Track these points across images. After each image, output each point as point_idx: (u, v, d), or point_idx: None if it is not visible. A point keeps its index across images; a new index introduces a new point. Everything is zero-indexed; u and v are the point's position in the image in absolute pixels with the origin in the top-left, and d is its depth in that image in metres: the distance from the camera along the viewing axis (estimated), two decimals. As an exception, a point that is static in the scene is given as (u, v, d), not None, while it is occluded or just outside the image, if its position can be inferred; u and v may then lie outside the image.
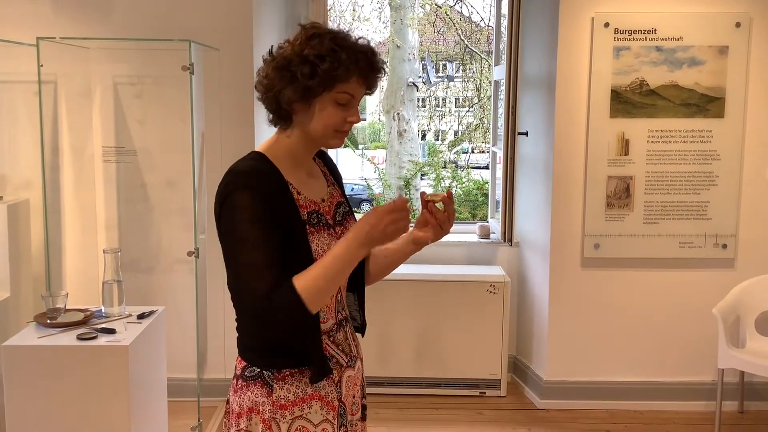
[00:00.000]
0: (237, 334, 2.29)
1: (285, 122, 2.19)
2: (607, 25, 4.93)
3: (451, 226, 2.26)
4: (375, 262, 2.44)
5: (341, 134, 2.20)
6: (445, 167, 14.17)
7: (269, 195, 2.09)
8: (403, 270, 5.39)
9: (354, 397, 2.42)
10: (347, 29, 2.22)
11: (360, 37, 2.17)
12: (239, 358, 2.27)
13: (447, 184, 12.35)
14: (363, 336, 2.51)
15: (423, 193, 2.24)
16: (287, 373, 2.19)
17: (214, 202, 2.13)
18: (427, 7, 15.01)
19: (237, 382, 2.25)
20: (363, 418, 2.50)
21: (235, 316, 2.27)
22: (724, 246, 5.11)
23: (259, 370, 2.20)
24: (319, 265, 2.06)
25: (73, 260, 5.10)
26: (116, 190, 5.05)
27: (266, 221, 2.06)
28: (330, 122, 2.14)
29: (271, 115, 2.21)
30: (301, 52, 2.08)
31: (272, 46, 2.20)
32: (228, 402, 2.33)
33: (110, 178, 5.03)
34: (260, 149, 2.22)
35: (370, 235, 2.05)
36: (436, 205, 2.24)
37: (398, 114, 12.94)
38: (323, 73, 2.06)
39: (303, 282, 2.02)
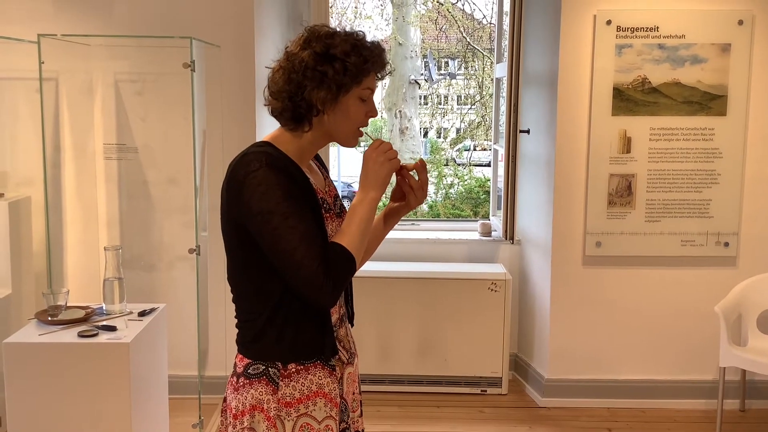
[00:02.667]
0: (237, 331, 2.29)
1: (303, 123, 2.21)
2: (609, 22, 4.92)
3: (425, 195, 2.39)
4: None
5: (360, 132, 2.28)
6: (447, 165, 14.17)
7: (293, 176, 2.14)
8: (405, 268, 5.48)
9: (354, 393, 2.45)
10: (349, 27, 2.28)
11: (363, 33, 2.24)
12: (240, 356, 2.27)
13: (449, 182, 12.36)
14: (353, 326, 2.54)
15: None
16: (293, 369, 2.21)
17: (225, 182, 2.17)
18: (429, 4, 15.00)
19: (238, 380, 2.25)
20: (360, 413, 2.53)
21: (235, 312, 2.28)
22: (726, 244, 5.11)
23: (264, 367, 2.21)
24: (348, 223, 2.19)
25: (75, 257, 5.10)
26: (117, 187, 5.05)
27: (299, 197, 2.13)
28: (356, 118, 2.23)
29: (289, 119, 2.22)
30: (325, 51, 2.14)
31: (285, 48, 2.24)
32: (225, 400, 2.33)
33: (111, 176, 5.04)
34: (267, 139, 2.26)
35: (374, 175, 2.23)
36: (410, 173, 2.36)
37: (400, 111, 12.94)
38: (353, 67, 2.14)
39: (346, 240, 2.15)
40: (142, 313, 3.88)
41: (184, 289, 4.87)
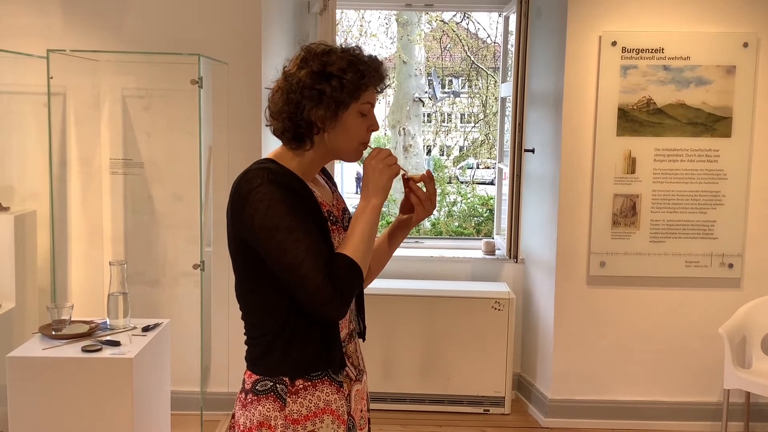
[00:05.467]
0: (246, 347, 2.28)
1: (305, 142, 2.20)
2: (614, 43, 4.94)
3: (434, 206, 2.37)
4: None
5: (365, 146, 2.28)
6: (450, 182, 14.18)
7: (295, 191, 2.15)
8: (408, 285, 5.46)
9: (362, 411, 2.44)
10: (350, 42, 2.28)
11: (359, 48, 2.23)
12: (249, 372, 2.26)
13: (452, 200, 12.35)
14: (364, 340, 2.53)
15: (404, 174, 2.33)
16: (300, 386, 2.20)
17: (229, 200, 2.17)
18: (434, 23, 15.03)
19: (246, 396, 2.24)
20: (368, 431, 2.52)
21: (244, 329, 2.27)
22: (731, 266, 5.10)
23: (272, 383, 2.20)
24: (352, 233, 2.18)
25: (79, 272, 5.10)
26: (123, 202, 5.05)
27: (303, 211, 2.12)
28: (358, 134, 2.22)
29: (291, 139, 2.22)
30: (322, 69, 2.14)
31: (283, 68, 2.25)
32: (233, 417, 2.32)
33: (117, 190, 5.04)
34: (271, 156, 2.26)
35: (375, 182, 2.21)
36: (418, 185, 2.35)
37: (404, 129, 12.94)
38: (349, 84, 2.13)
39: (350, 249, 2.14)
40: (146, 329, 3.88)
41: (188, 304, 4.86)
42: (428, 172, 2.35)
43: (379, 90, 2.25)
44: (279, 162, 2.21)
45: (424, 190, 2.35)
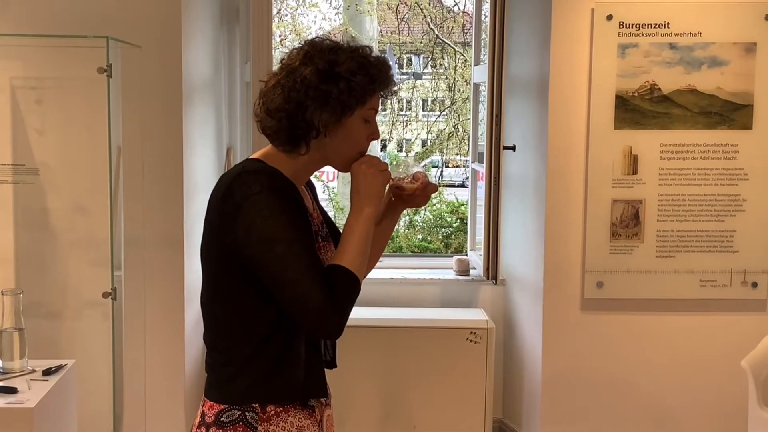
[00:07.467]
0: (207, 375, 2.48)
1: (300, 145, 2.41)
2: (610, 17, 5.03)
3: (427, 199, 2.65)
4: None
5: (362, 156, 2.51)
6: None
7: (295, 200, 2.39)
8: (364, 314, 5.49)
9: (333, 437, 2.65)
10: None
11: (368, 47, 2.46)
12: (209, 403, 2.44)
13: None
14: (335, 368, 2.73)
15: (392, 183, 2.60)
16: (272, 412, 2.39)
17: (218, 203, 2.38)
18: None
19: (207, 430, 2.41)
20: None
21: (207, 352, 2.47)
22: (755, 284, 5.18)
23: (240, 412, 2.37)
24: (347, 243, 2.40)
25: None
26: (13, 216, 5.02)
27: (301, 223, 2.37)
28: (359, 141, 2.46)
29: (285, 140, 2.42)
30: (329, 68, 2.35)
31: (281, 61, 2.46)
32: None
33: (5, 202, 4.98)
34: (260, 157, 2.47)
35: (367, 189, 2.45)
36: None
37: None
38: (358, 87, 2.36)
39: (346, 262, 2.36)
40: (47, 372, 3.92)
41: (96, 341, 4.86)
42: (423, 182, 2.60)
43: (384, 96, 2.49)
44: (271, 165, 2.42)
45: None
